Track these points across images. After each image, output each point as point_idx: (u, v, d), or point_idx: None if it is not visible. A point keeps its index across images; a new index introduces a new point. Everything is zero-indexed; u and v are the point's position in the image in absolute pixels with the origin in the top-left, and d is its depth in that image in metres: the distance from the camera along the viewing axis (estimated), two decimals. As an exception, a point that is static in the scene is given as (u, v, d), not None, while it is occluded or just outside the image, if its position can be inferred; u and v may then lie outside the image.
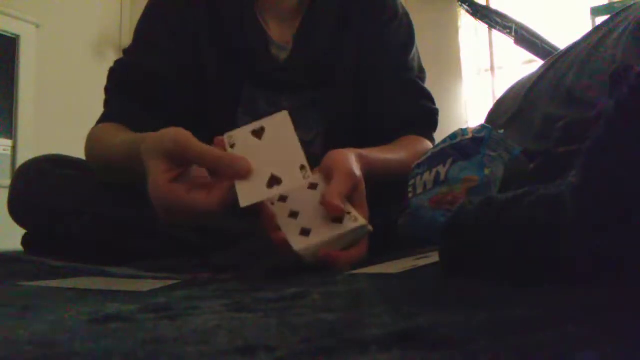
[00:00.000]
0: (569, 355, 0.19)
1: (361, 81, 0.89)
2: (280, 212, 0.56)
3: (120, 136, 0.73)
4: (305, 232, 0.54)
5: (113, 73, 0.87)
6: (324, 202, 0.55)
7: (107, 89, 0.87)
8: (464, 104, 3.19)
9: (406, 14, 0.95)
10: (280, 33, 0.89)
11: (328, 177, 0.59)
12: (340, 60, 0.89)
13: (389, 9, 0.93)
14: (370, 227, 0.55)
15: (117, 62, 0.89)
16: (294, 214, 0.56)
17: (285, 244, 0.53)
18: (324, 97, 0.88)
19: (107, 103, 0.87)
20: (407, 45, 0.94)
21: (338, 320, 0.29)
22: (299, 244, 0.53)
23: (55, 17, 3.31)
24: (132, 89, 0.84)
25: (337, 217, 0.54)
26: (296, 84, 0.88)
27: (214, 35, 0.87)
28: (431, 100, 0.94)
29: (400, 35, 0.93)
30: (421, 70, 0.96)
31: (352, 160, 0.61)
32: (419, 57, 0.96)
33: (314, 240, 0.53)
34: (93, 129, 0.83)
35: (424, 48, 0.98)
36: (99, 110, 0.86)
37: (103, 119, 0.84)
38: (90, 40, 3.54)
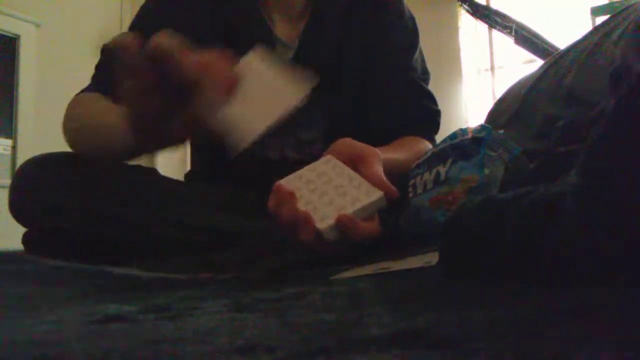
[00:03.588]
0: (569, 355, 0.19)
1: (364, 81, 0.89)
2: (298, 190, 0.54)
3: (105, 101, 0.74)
4: (326, 210, 0.52)
5: (105, 51, 0.87)
6: (381, 185, 0.54)
7: (97, 66, 0.88)
8: (464, 104, 3.19)
9: (411, 17, 0.96)
10: (286, 32, 0.89)
11: (358, 159, 0.58)
12: (345, 61, 0.89)
13: (394, 10, 0.93)
14: (384, 199, 0.54)
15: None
16: (312, 192, 0.54)
17: (309, 223, 0.51)
18: (327, 97, 0.88)
19: (93, 76, 0.87)
20: (411, 46, 0.94)
21: (338, 320, 0.29)
22: (323, 222, 0.51)
23: (55, 17, 3.31)
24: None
25: (357, 195, 0.53)
26: None
27: (218, 32, 0.87)
28: (433, 101, 0.94)
29: (404, 36, 0.93)
30: (425, 72, 0.96)
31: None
32: (422, 60, 0.96)
33: (336, 216, 0.51)
34: (74, 97, 0.83)
35: (424, 48, 0.98)
36: (99, 110, 0.85)
37: (86, 90, 0.84)
38: (90, 40, 3.54)
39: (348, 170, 0.56)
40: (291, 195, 0.52)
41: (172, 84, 0.53)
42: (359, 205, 0.52)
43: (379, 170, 0.57)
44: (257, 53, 0.60)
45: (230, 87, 0.55)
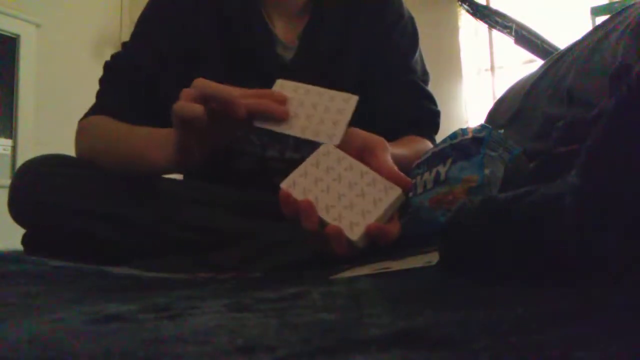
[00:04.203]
0: (569, 355, 0.19)
1: (364, 82, 0.89)
2: (309, 192, 0.52)
3: (132, 128, 0.76)
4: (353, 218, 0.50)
5: (108, 67, 0.88)
6: (394, 177, 0.52)
7: (101, 81, 0.88)
8: (464, 104, 3.19)
9: (411, 18, 0.96)
10: (286, 32, 0.89)
11: (366, 149, 0.56)
12: (345, 61, 0.89)
13: (394, 11, 0.93)
14: (403, 196, 0.52)
15: (113, 57, 0.89)
16: (325, 192, 0.52)
17: (341, 236, 0.49)
18: None
19: (99, 95, 0.88)
20: (411, 47, 0.94)
21: (338, 320, 0.29)
22: (353, 232, 0.49)
23: (55, 17, 3.31)
24: (126, 86, 0.85)
25: (376, 194, 0.51)
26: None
27: (218, 35, 0.87)
28: (433, 102, 0.94)
29: (404, 37, 0.93)
30: (424, 73, 0.96)
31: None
32: (422, 61, 0.97)
33: (365, 223, 0.49)
34: (86, 120, 0.84)
35: (424, 48, 0.98)
36: (99, 110, 0.85)
37: (94, 111, 0.84)
38: (90, 40, 3.54)
39: (356, 163, 0.54)
40: (311, 206, 0.50)
41: (228, 119, 0.56)
42: (382, 208, 0.50)
43: (389, 161, 0.55)
44: (284, 80, 0.61)
45: (283, 105, 0.57)
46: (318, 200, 0.51)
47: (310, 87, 0.60)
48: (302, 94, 0.59)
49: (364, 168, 0.53)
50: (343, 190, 0.52)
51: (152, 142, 0.68)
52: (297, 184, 0.53)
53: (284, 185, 0.53)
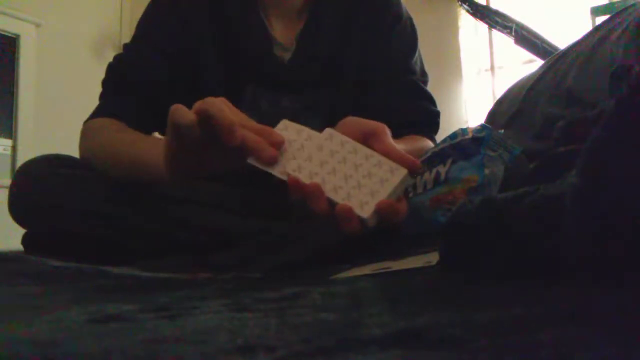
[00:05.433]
0: (569, 355, 0.19)
1: (363, 82, 0.89)
2: (315, 175, 0.52)
3: (134, 136, 0.76)
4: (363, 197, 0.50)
5: (111, 69, 0.88)
6: (401, 159, 0.51)
7: (104, 83, 0.88)
8: (464, 104, 3.19)
9: (410, 19, 0.96)
10: (283, 33, 0.89)
11: (369, 135, 0.55)
12: (343, 62, 0.89)
13: (393, 12, 0.93)
14: (409, 176, 0.52)
15: (115, 58, 0.89)
16: (332, 174, 0.52)
17: (351, 214, 0.49)
18: (326, 98, 0.89)
19: (102, 97, 0.88)
20: (410, 48, 0.94)
21: (338, 320, 0.29)
22: (363, 210, 0.49)
23: (55, 17, 3.31)
24: (129, 87, 0.85)
25: (383, 175, 0.51)
26: (298, 85, 0.88)
27: (218, 36, 0.87)
28: (432, 102, 0.94)
29: (403, 38, 0.93)
30: (423, 74, 0.96)
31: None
32: (421, 62, 0.97)
33: (374, 201, 0.49)
34: (91, 122, 0.84)
35: (424, 48, 0.98)
36: (98, 110, 0.85)
37: (98, 113, 0.84)
38: (90, 40, 3.54)
39: (359, 146, 0.53)
40: (318, 188, 0.50)
41: (223, 145, 0.52)
42: (390, 187, 0.50)
43: (393, 143, 0.55)
44: (288, 122, 0.58)
45: (278, 147, 0.53)
46: (325, 182, 0.51)
47: (313, 133, 0.56)
48: (304, 139, 0.56)
49: (368, 151, 0.53)
50: (349, 172, 0.51)
51: (158, 156, 0.66)
52: (302, 168, 0.52)
53: (289, 169, 0.52)
